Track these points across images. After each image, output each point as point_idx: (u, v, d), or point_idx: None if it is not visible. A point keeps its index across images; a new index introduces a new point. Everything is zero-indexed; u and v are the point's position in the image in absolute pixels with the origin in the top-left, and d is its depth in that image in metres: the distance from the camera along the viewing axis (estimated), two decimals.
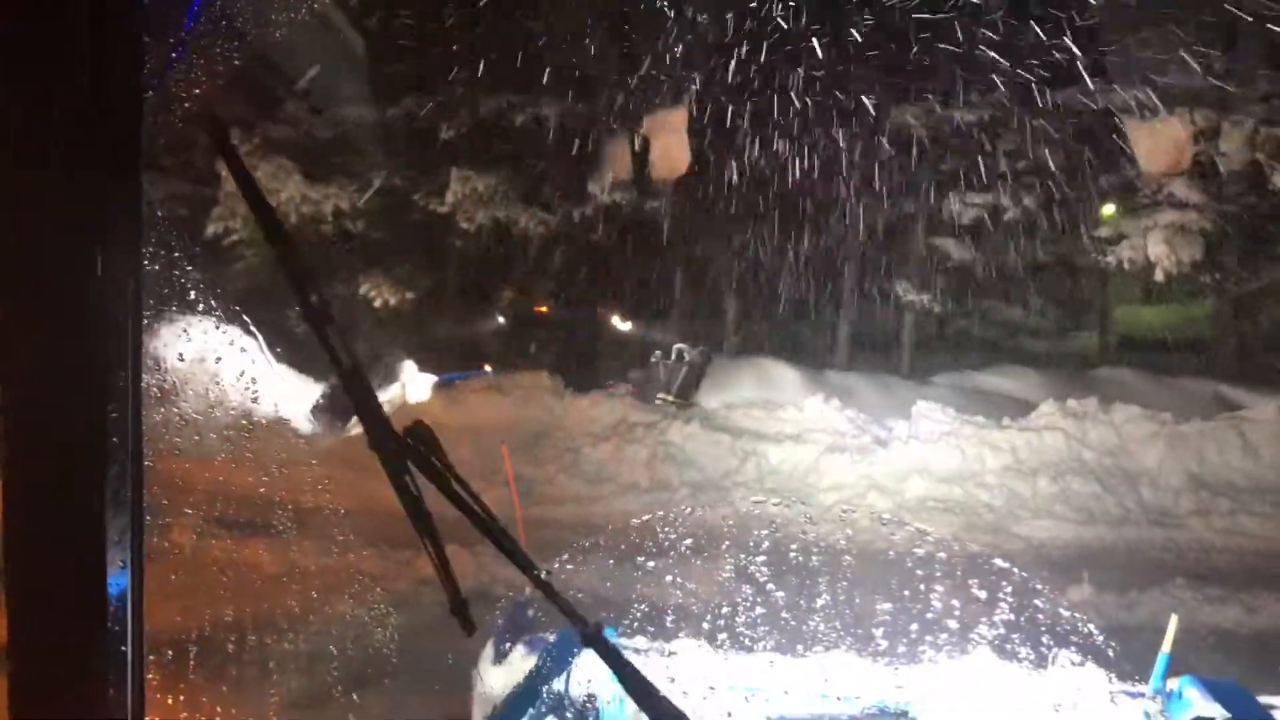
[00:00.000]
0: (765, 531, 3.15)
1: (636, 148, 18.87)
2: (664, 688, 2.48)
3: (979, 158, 17.45)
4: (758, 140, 17.46)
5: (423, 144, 20.05)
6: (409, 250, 21.10)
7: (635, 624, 2.94)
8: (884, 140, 17.40)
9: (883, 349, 19.71)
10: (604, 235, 19.97)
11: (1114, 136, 16.38)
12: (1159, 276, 17.00)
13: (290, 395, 15.59)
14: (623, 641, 2.65)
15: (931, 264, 18.56)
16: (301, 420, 14.64)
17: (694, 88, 17.83)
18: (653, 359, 16.59)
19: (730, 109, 17.37)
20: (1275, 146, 15.45)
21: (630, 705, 2.49)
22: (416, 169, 20.29)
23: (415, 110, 20.14)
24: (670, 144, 18.07)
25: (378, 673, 5.62)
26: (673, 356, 15.94)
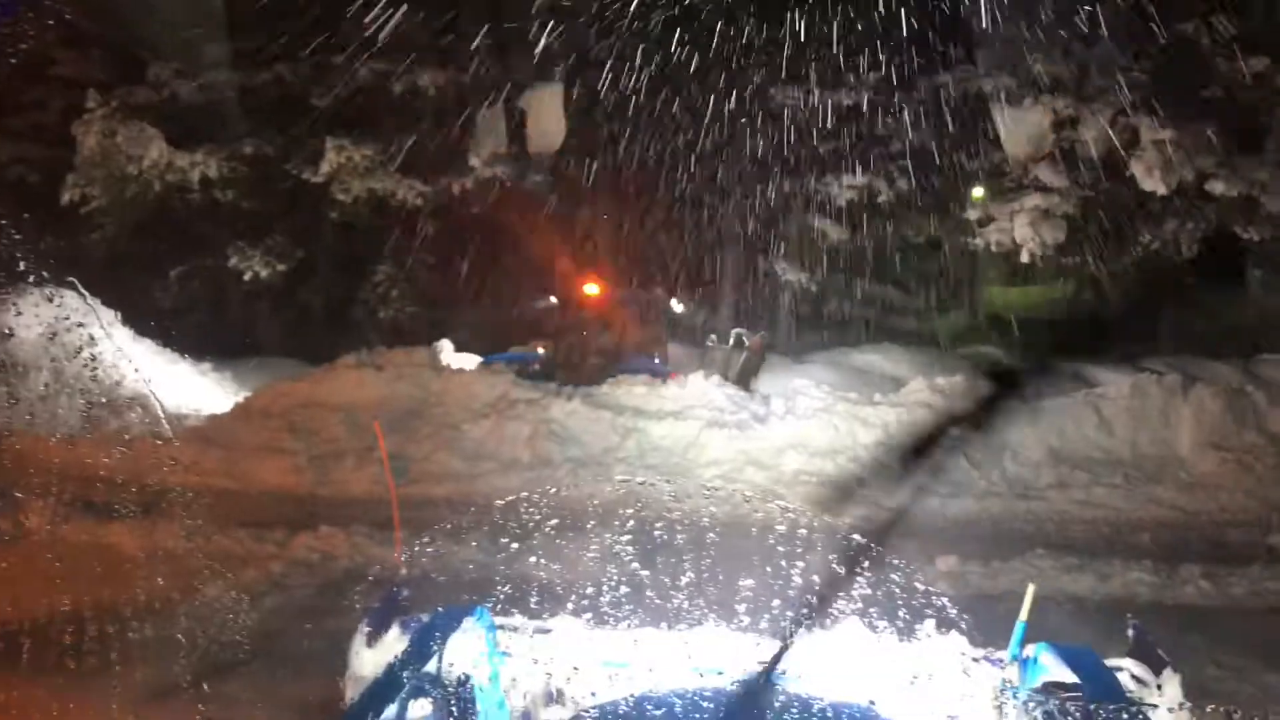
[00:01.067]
0: (631, 510, 3.15)
1: (515, 122, 18.65)
2: (530, 667, 2.46)
3: (855, 140, 17.83)
4: (637, 118, 17.46)
5: (295, 111, 19.40)
6: (281, 221, 20.43)
7: (512, 601, 2.91)
8: (762, 120, 17.61)
9: (762, 326, 20.01)
10: (485, 209, 19.69)
11: (983, 122, 16.94)
12: (1024, 258, 17.71)
13: (156, 372, 14.95)
14: (498, 620, 2.62)
15: (809, 244, 18.90)
16: (166, 397, 14.03)
17: (572, 64, 17.71)
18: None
19: (610, 86, 17.31)
20: (1132, 135, 16.21)
21: (505, 683, 2.46)
22: (288, 137, 19.60)
23: (287, 76, 19.46)
24: (548, 119, 17.92)
25: (246, 657, 5.45)
26: (730, 342, 15.50)
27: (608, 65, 17.04)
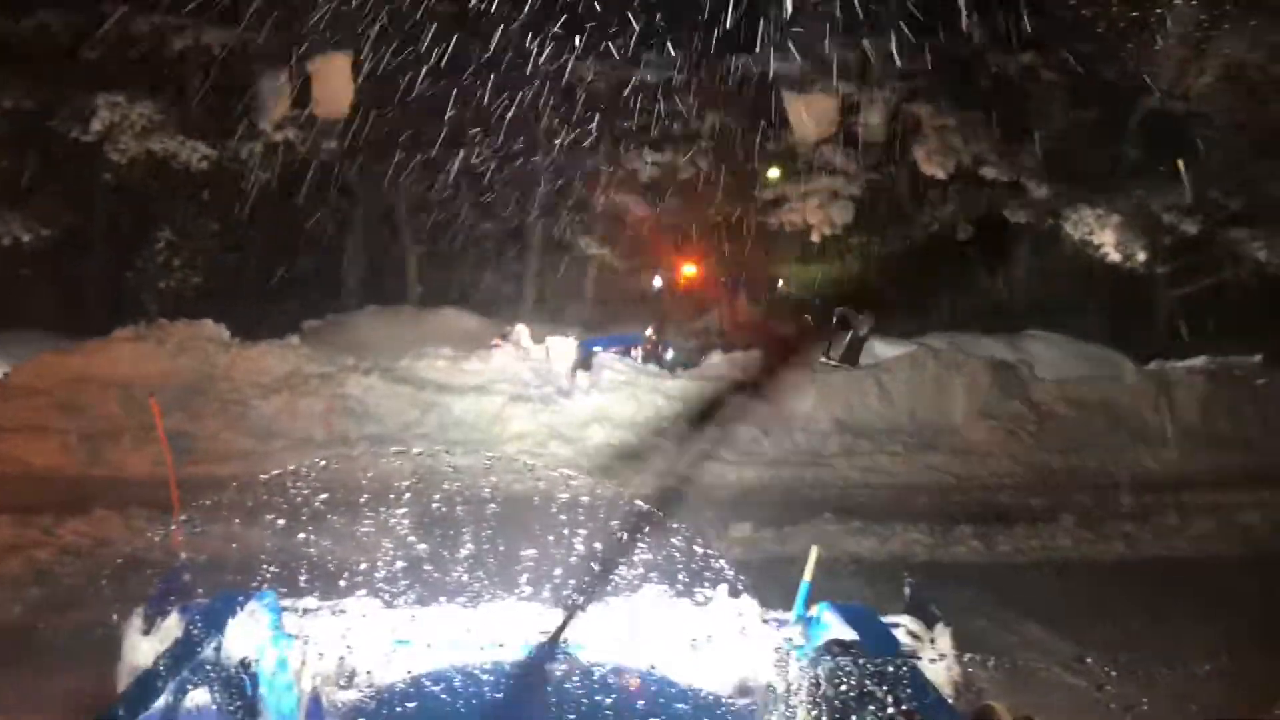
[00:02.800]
0: (426, 485, 3.09)
1: (303, 85, 17.83)
2: (318, 649, 2.37)
3: (657, 117, 18.05)
4: (436, 89, 17.04)
5: (62, 64, 17.84)
6: (46, 182, 18.80)
7: (299, 582, 2.79)
8: (566, 93, 17.57)
9: (566, 301, 20.04)
10: (275, 174, 18.77)
11: (779, 104, 17.49)
12: (815, 238, 18.47)
13: None
14: (285, 602, 2.50)
15: (612, 219, 19.04)
16: None
17: (362, 30, 17.07)
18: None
19: (409, 55, 16.83)
20: (915, 122, 17.16)
21: (294, 666, 2.35)
22: (53, 91, 18.00)
23: (53, 24, 17.86)
24: (336, 84, 17.24)
25: (8, 654, 5.03)
26: (834, 320, 15.33)
27: (401, 31, 16.55)
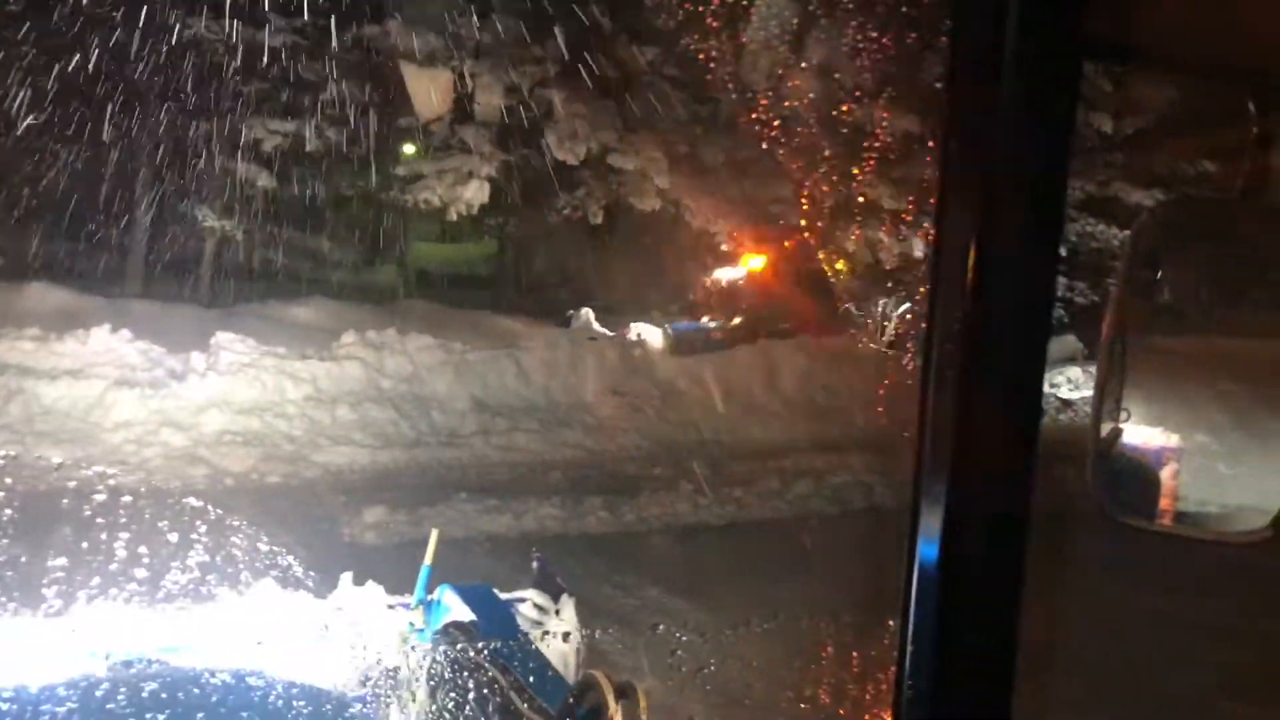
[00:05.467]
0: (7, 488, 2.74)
1: None
2: None
3: (283, 84, 17.06)
4: (29, 41, 15.00)
5: None
6: None
7: None
8: (181, 53, 16.13)
9: (180, 276, 18.47)
10: None
11: (404, 80, 17.12)
12: (452, 216, 18.37)
13: None
14: None
15: (233, 190, 17.77)
16: None
17: None
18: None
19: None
20: (548, 106, 17.50)
21: None
22: None
23: None
24: None
25: None
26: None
27: None
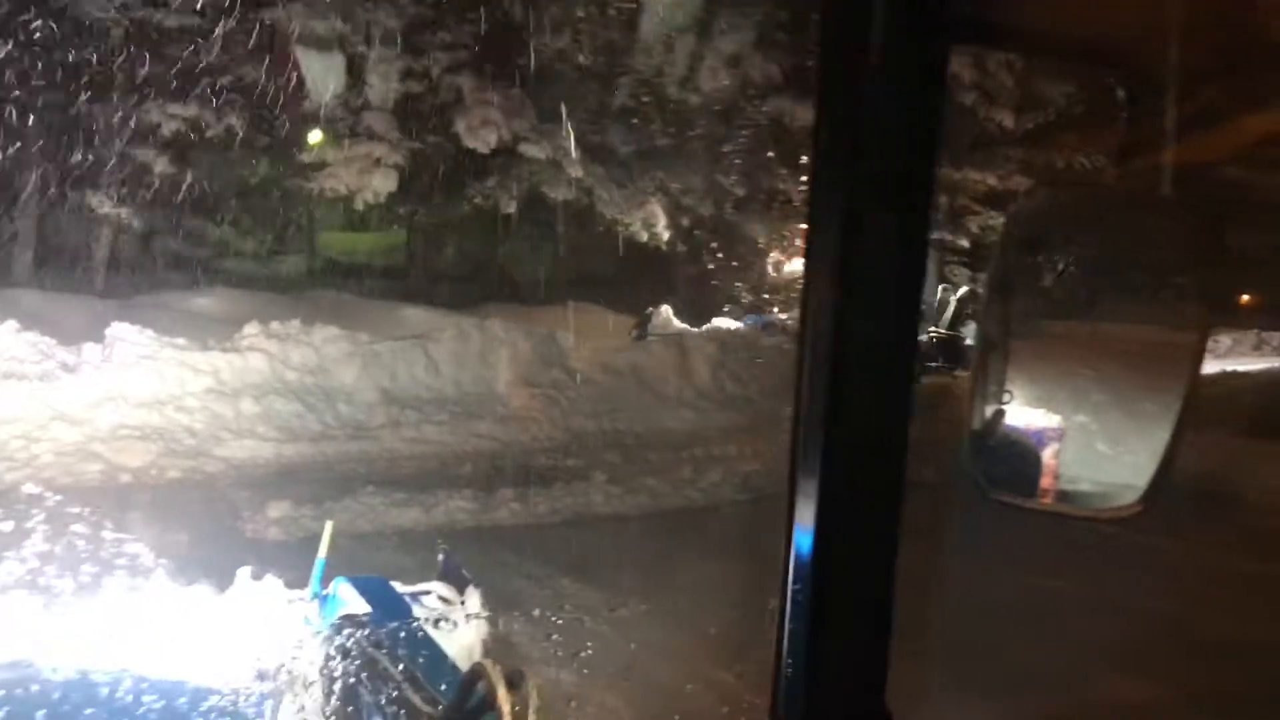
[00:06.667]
0: None
1: None
2: None
3: (182, 67, 16.51)
4: None
5: None
6: None
7: None
8: (72, 33, 15.51)
9: (73, 265, 17.81)
10: None
11: (303, 63, 16.72)
12: (359, 205, 18.05)
13: None
14: None
15: (129, 176, 17.16)
16: None
17: None
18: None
19: None
20: (458, 94, 17.30)
21: None
22: None
23: None
24: None
25: None
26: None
27: None
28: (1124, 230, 1.11)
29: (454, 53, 17.09)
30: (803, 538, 0.85)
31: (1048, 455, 1.25)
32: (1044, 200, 1.17)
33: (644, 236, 19.72)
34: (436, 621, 2.65)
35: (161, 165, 17.08)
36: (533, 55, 17.23)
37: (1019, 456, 1.17)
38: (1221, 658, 5.47)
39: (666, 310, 17.84)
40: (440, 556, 3.32)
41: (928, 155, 0.83)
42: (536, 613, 5.81)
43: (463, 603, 3.03)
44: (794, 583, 0.87)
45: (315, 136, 18.33)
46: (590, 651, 5.10)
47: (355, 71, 16.62)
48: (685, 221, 20.17)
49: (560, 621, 6.06)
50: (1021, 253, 1.15)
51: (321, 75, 16.26)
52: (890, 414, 0.87)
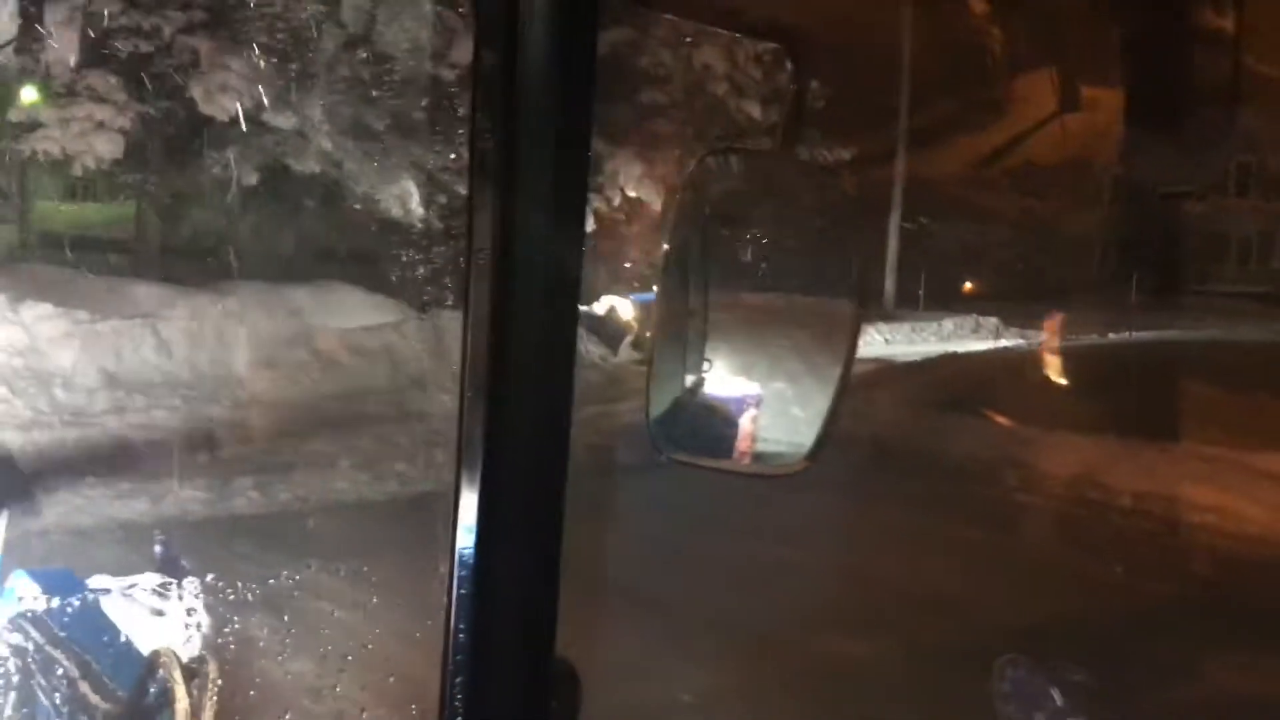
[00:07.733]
0: None
1: None
2: None
3: None
4: None
5: None
6: None
7: None
8: None
9: None
10: None
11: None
12: (78, 171, 16.59)
13: None
14: None
15: None
16: None
17: None
18: None
19: None
20: (194, 55, 16.18)
21: None
22: None
23: None
24: None
25: None
26: None
27: None
28: (789, 196, 1.17)
29: (189, 12, 15.96)
30: (465, 515, 0.86)
31: (739, 419, 1.31)
32: (711, 165, 1.21)
33: (398, 213, 19.18)
34: (159, 614, 2.56)
35: None
36: (281, 20, 16.40)
37: (700, 419, 1.22)
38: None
39: None
40: (157, 547, 3.16)
41: (582, 126, 0.84)
42: (276, 604, 5.60)
43: (180, 595, 2.95)
44: (459, 548, 0.87)
45: (30, 96, 16.68)
46: (332, 644, 4.95)
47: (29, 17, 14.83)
48: (442, 199, 19.77)
49: (304, 613, 5.85)
50: (707, 221, 1.18)
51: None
52: (553, 393, 0.88)
